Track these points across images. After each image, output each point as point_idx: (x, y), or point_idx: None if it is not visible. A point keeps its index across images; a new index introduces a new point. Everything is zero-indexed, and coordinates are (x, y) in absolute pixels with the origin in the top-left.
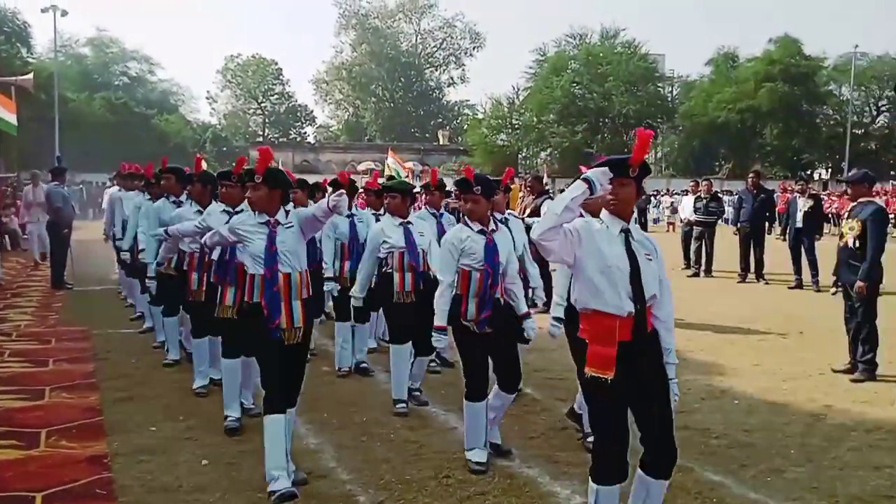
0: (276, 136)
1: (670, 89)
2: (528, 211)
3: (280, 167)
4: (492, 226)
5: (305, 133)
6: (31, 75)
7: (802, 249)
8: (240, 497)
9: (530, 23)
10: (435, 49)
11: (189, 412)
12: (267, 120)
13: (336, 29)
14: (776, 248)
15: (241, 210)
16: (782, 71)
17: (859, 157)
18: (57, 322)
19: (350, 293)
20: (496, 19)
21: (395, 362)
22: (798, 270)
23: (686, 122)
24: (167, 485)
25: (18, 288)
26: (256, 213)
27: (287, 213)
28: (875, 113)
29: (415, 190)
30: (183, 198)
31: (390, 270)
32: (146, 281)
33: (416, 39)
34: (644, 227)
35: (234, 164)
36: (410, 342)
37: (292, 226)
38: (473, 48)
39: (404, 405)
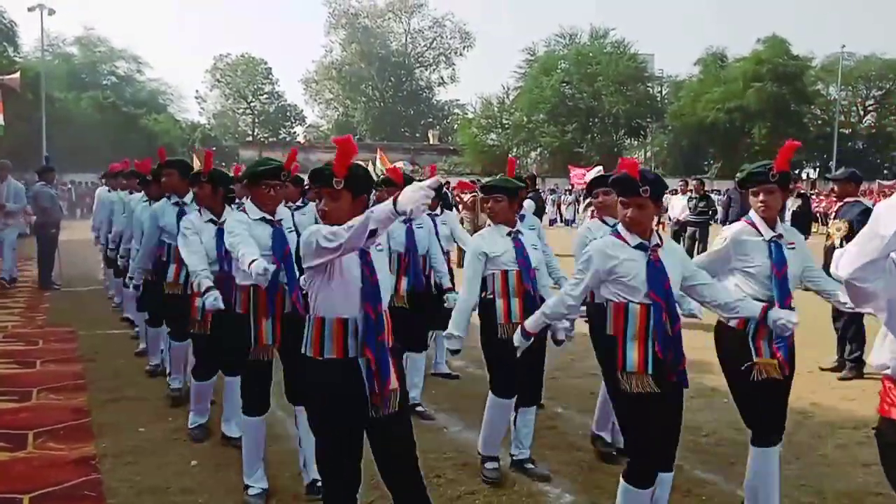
0: (265, 135)
1: (659, 89)
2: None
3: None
4: (518, 225)
5: (295, 133)
6: (17, 74)
7: None
8: (228, 499)
9: (520, 23)
10: (425, 48)
11: (177, 413)
12: (256, 119)
13: (326, 28)
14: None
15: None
16: (770, 71)
17: (847, 156)
18: (44, 323)
19: (445, 334)
20: (486, 19)
21: (493, 417)
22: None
23: (675, 122)
24: (155, 486)
25: (5, 289)
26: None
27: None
28: (862, 113)
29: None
30: (187, 199)
31: (491, 296)
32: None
33: (406, 39)
34: None
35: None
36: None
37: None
38: (463, 48)
39: (496, 466)
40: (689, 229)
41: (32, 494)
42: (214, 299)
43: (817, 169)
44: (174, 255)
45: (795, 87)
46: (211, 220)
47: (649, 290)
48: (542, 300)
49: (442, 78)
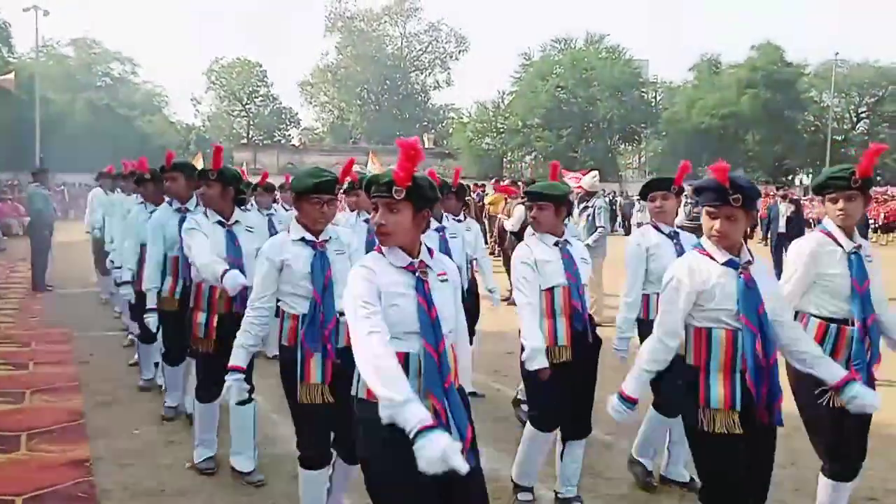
0: (260, 138)
1: (654, 95)
2: (511, 214)
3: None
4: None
5: (290, 135)
6: (12, 75)
7: (784, 253)
8: (223, 500)
9: (515, 28)
10: (420, 52)
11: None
12: (251, 122)
13: (322, 31)
14: (757, 252)
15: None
16: (764, 77)
17: (840, 163)
18: (38, 324)
19: (525, 358)
20: (482, 24)
21: (530, 450)
22: (780, 274)
23: (669, 128)
24: (150, 489)
25: None
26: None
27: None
28: (855, 119)
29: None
30: (190, 206)
31: None
32: (146, 315)
33: (402, 43)
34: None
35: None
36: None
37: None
38: (458, 52)
39: (530, 498)
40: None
41: (25, 496)
42: (235, 276)
43: (810, 175)
44: (170, 267)
45: (789, 93)
46: (219, 222)
47: (741, 313)
48: (591, 319)
49: (437, 82)
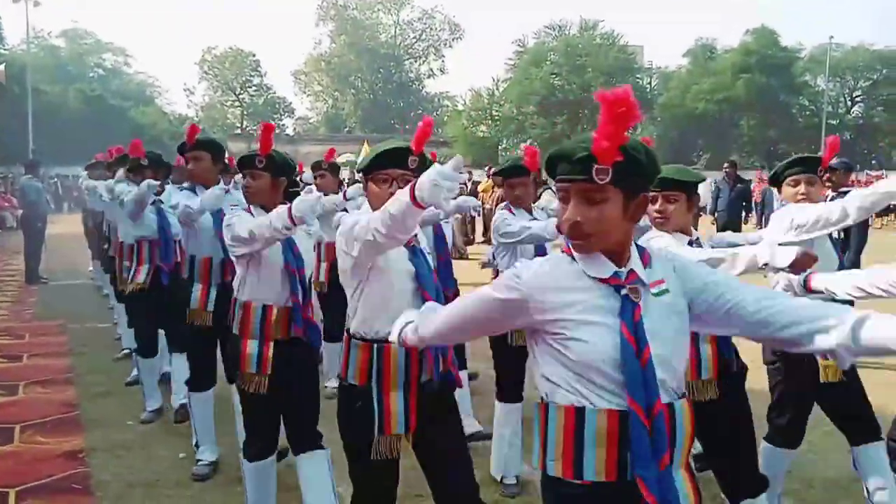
0: (254, 128)
1: (649, 81)
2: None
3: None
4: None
5: (284, 125)
6: (2, 67)
7: None
8: (218, 491)
9: (509, 14)
10: (414, 40)
11: (167, 407)
12: (245, 112)
13: (315, 20)
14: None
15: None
16: (759, 62)
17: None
18: (32, 317)
19: None
20: (476, 10)
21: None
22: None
23: (665, 114)
24: (145, 480)
25: None
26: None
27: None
28: (850, 103)
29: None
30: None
31: None
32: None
33: (395, 31)
34: None
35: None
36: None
37: None
38: (452, 39)
39: (514, 484)
40: None
41: (19, 488)
42: (300, 200)
43: None
44: (199, 272)
45: (784, 78)
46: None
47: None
48: None
49: (431, 70)
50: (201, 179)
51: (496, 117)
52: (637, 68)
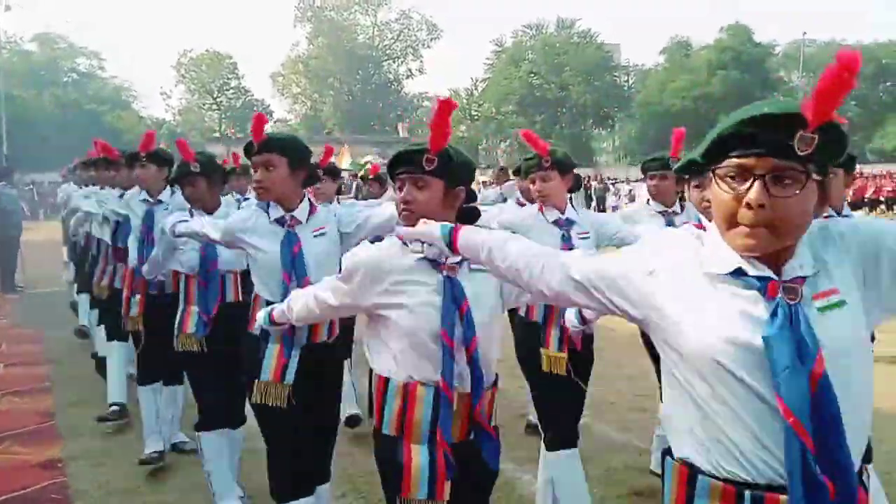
0: (233, 131)
1: (626, 78)
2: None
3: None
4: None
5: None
6: None
7: None
8: (198, 496)
9: (487, 14)
10: (392, 41)
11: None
12: (223, 115)
13: (293, 22)
14: None
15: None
16: (734, 58)
17: None
18: (8, 325)
19: None
20: (453, 11)
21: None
22: None
23: (642, 111)
24: (124, 488)
25: None
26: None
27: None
28: None
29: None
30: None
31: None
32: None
33: (373, 32)
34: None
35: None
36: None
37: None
38: (430, 39)
39: None
40: None
41: None
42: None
43: None
44: (187, 292)
45: (758, 73)
46: (278, 220)
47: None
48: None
49: (410, 70)
50: (147, 186)
51: (475, 117)
52: (614, 66)
